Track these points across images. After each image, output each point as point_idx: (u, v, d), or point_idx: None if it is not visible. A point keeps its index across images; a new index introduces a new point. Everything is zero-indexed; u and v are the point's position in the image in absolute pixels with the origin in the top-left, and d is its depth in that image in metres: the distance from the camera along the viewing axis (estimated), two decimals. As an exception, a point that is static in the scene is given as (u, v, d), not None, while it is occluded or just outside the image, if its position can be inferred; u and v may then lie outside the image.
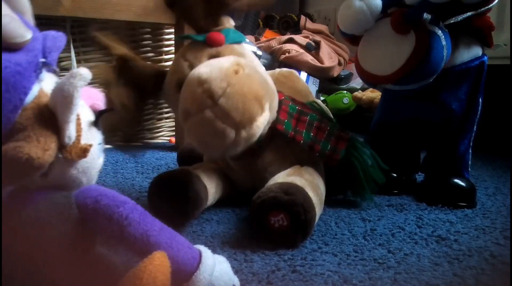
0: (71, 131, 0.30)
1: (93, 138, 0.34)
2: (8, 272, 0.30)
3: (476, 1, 0.57)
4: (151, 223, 0.31)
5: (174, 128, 1.12)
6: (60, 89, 0.29)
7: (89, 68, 0.31)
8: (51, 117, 0.29)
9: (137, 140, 1.09)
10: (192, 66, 0.50)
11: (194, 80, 0.44)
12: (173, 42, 1.05)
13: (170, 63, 0.55)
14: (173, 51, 1.05)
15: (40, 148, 0.28)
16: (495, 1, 0.59)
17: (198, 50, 0.51)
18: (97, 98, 0.37)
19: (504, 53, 0.94)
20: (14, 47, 0.28)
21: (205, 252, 0.34)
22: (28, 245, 0.30)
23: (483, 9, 0.59)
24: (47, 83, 0.31)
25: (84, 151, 0.31)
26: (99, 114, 0.35)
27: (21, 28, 0.28)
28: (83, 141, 0.32)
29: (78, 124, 0.32)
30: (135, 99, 0.51)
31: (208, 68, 0.44)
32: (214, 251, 0.45)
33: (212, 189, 0.56)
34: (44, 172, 0.29)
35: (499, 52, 0.93)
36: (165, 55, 1.06)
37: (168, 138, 1.13)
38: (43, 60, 0.30)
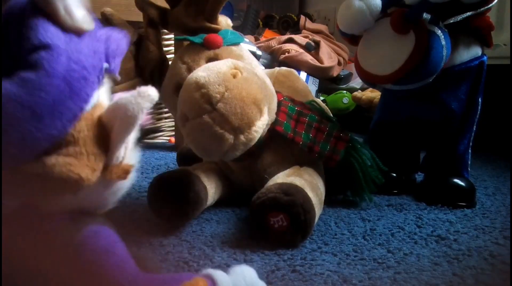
0: (121, 152, 0.27)
1: (134, 157, 0.30)
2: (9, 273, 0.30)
3: (475, 0, 0.57)
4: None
5: (173, 128, 1.12)
6: (124, 107, 0.25)
7: None
8: (104, 132, 0.26)
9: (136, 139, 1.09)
10: (190, 69, 0.50)
11: (191, 84, 0.43)
12: (172, 42, 1.05)
13: (170, 62, 0.56)
14: (173, 51, 1.05)
15: (90, 168, 0.25)
16: (495, 1, 0.59)
17: (196, 53, 0.51)
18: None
19: (504, 53, 0.94)
20: (74, 31, 0.25)
21: (218, 276, 0.31)
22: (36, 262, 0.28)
23: (482, 9, 0.59)
24: (102, 92, 0.28)
25: (125, 172, 0.28)
26: (145, 133, 0.31)
27: (85, 15, 0.25)
28: (125, 161, 0.29)
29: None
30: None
31: (206, 73, 0.44)
32: (213, 251, 0.46)
33: (211, 189, 0.56)
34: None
35: (499, 52, 0.93)
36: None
37: (168, 138, 1.13)
38: (106, 65, 0.27)
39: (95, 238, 0.27)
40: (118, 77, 0.29)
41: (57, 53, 0.24)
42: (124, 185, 0.30)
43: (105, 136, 0.26)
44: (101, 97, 0.28)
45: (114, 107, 0.26)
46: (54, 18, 0.24)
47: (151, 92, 0.26)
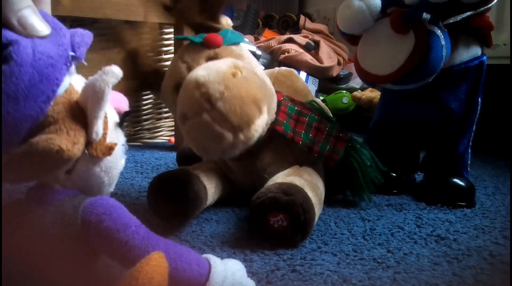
0: (99, 127, 0.31)
1: (118, 138, 0.34)
2: (10, 271, 0.30)
3: (475, 0, 0.57)
4: (155, 245, 0.31)
5: (173, 128, 1.12)
6: (92, 85, 0.29)
7: (99, 57, 0.32)
8: (81, 112, 0.30)
9: (136, 139, 1.09)
10: (190, 68, 0.50)
11: (191, 83, 0.43)
12: (172, 41, 1.05)
13: (169, 62, 0.56)
14: (172, 50, 1.05)
15: (70, 141, 0.28)
16: (494, 1, 0.59)
17: (196, 52, 0.51)
18: (121, 100, 0.38)
19: (504, 53, 0.94)
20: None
21: (214, 261, 0.33)
22: (32, 247, 0.30)
23: (482, 8, 0.59)
24: (76, 80, 0.32)
25: (109, 149, 0.32)
26: (124, 116, 0.36)
27: (39, 22, 0.29)
28: (108, 140, 0.32)
29: (105, 123, 0.32)
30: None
31: (206, 71, 0.44)
32: (213, 250, 0.46)
33: (211, 189, 0.56)
34: (69, 168, 0.31)
35: (499, 51, 0.93)
36: (164, 54, 1.06)
37: (168, 138, 1.13)
38: (72, 53, 0.31)
39: (96, 204, 0.30)
40: (85, 63, 0.33)
41: (23, 46, 0.27)
42: (115, 165, 0.34)
43: (83, 114, 0.31)
44: (75, 83, 0.32)
45: (85, 87, 0.31)
46: (10, 29, 0.28)
47: (114, 69, 0.30)
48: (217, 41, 0.51)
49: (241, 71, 0.46)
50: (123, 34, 0.53)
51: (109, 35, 0.54)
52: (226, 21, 0.54)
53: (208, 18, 0.52)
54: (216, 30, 0.53)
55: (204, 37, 0.51)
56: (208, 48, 0.51)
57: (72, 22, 0.93)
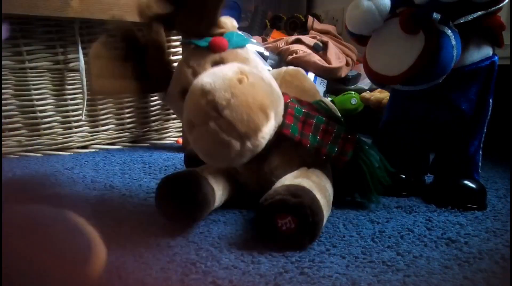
0: None
1: None
2: None
3: (486, 0, 0.57)
4: None
5: (181, 129, 1.12)
6: None
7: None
8: None
9: (144, 140, 1.10)
10: (195, 73, 0.50)
11: (197, 91, 0.43)
12: (180, 43, 1.05)
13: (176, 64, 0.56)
14: (180, 52, 1.05)
15: None
16: (506, 0, 0.58)
17: (201, 56, 0.51)
18: None
19: (504, 53, 0.93)
20: None
21: None
22: None
23: (493, 8, 0.58)
24: None
25: None
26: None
27: None
28: None
29: None
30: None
31: (212, 78, 0.44)
32: (221, 252, 0.46)
33: (219, 191, 0.56)
34: None
35: (498, 52, 0.92)
36: (173, 56, 1.06)
37: (176, 139, 1.13)
38: None
39: None
40: None
41: None
42: None
43: None
44: None
45: None
46: None
47: None
48: (223, 45, 0.51)
49: (247, 77, 0.46)
50: (133, 34, 0.53)
51: (119, 36, 0.54)
52: (231, 23, 0.54)
53: (208, 26, 0.52)
54: (221, 33, 0.52)
55: (209, 41, 0.51)
56: (213, 52, 0.51)
57: (81, 23, 0.94)
